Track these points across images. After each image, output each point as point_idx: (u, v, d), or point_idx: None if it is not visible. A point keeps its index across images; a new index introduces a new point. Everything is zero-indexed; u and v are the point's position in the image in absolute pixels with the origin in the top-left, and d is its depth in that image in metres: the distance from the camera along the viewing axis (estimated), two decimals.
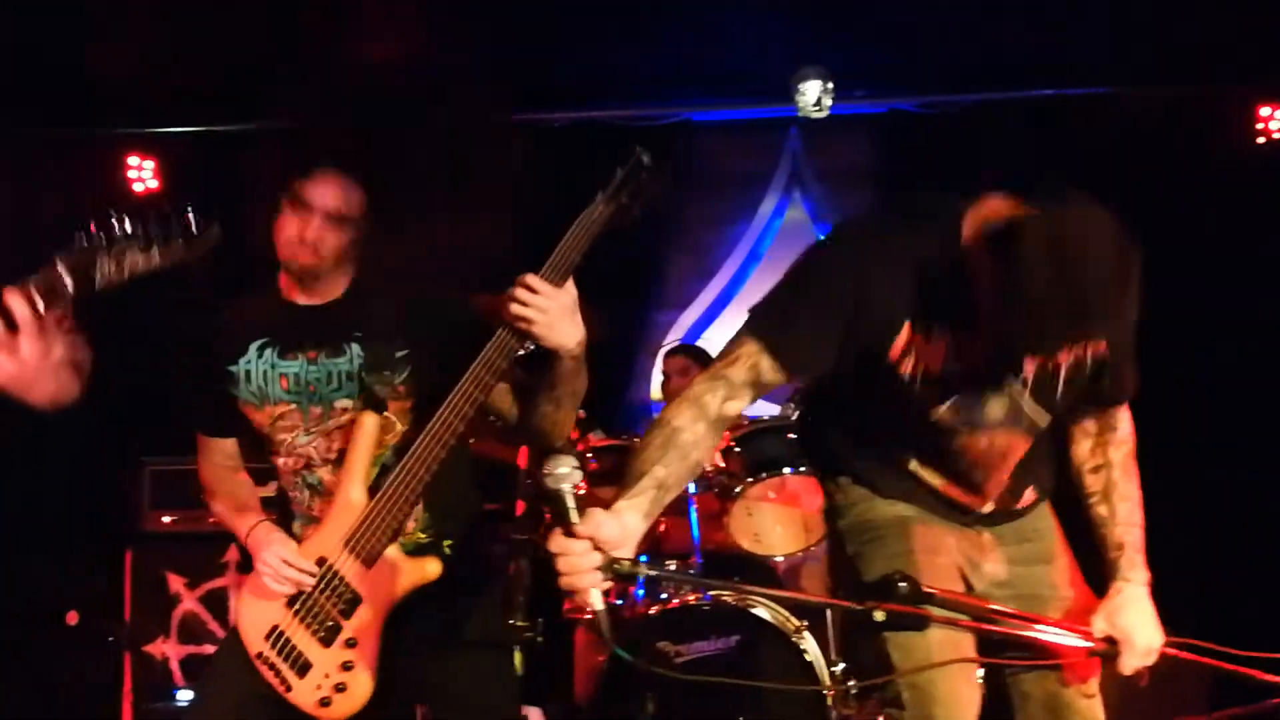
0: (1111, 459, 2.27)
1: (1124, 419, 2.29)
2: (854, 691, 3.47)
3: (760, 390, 2.04)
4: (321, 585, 2.40)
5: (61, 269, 1.82)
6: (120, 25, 4.87)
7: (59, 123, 5.49)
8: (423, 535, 2.50)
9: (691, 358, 5.00)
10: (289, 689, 2.41)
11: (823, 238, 2.23)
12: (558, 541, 1.77)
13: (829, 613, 3.74)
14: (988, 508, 2.27)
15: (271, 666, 2.43)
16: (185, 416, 2.66)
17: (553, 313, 2.19)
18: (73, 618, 4.66)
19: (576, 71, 5.61)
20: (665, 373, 5.05)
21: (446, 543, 2.51)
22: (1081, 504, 2.30)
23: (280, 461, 2.54)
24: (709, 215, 6.10)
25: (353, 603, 2.38)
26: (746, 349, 2.02)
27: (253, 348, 2.53)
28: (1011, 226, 1.81)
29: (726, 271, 6.09)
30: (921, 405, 2.13)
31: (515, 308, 2.19)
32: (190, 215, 1.88)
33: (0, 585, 2.44)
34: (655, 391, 5.59)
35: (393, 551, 2.40)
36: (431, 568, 2.43)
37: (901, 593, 1.76)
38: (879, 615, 1.75)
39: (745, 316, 2.10)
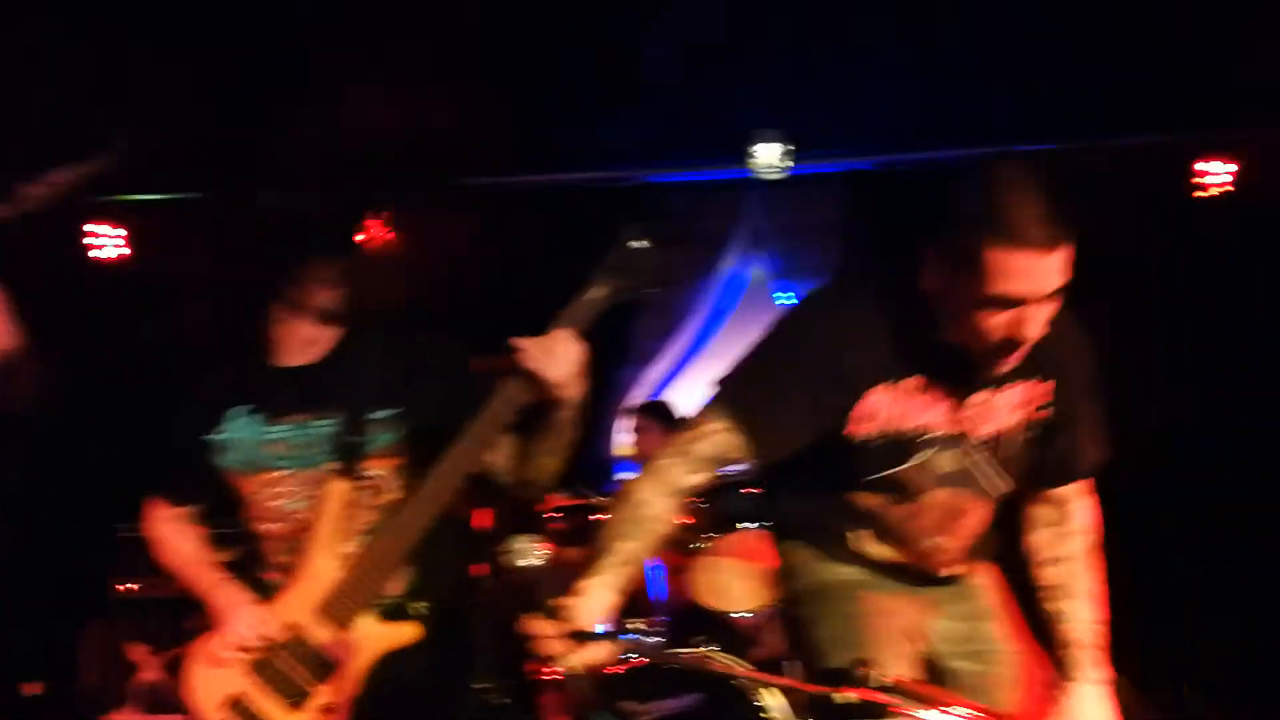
0: (1070, 552, 2.24)
1: (1084, 507, 2.28)
2: None
3: (725, 465, 2.05)
4: (290, 651, 2.35)
5: None
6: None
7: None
8: (402, 596, 2.40)
9: (650, 417, 5.02)
10: None
11: (790, 308, 2.21)
12: (530, 622, 1.84)
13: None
14: (942, 572, 2.27)
15: None
16: (155, 485, 2.59)
17: (564, 361, 2.14)
18: (32, 688, 4.60)
19: (541, 136, 5.71)
20: (636, 431, 5.08)
21: (422, 605, 2.42)
22: (1034, 595, 2.27)
23: (268, 528, 2.46)
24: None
25: (325, 668, 2.32)
26: (713, 425, 2.03)
27: (236, 415, 2.46)
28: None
29: (689, 329, 6.16)
30: (880, 465, 2.13)
31: (532, 349, 2.14)
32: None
33: None
34: (620, 448, 5.62)
35: (368, 616, 2.35)
36: (409, 633, 2.35)
37: (859, 679, 1.77)
38: (838, 699, 1.76)
39: (711, 383, 2.09)
